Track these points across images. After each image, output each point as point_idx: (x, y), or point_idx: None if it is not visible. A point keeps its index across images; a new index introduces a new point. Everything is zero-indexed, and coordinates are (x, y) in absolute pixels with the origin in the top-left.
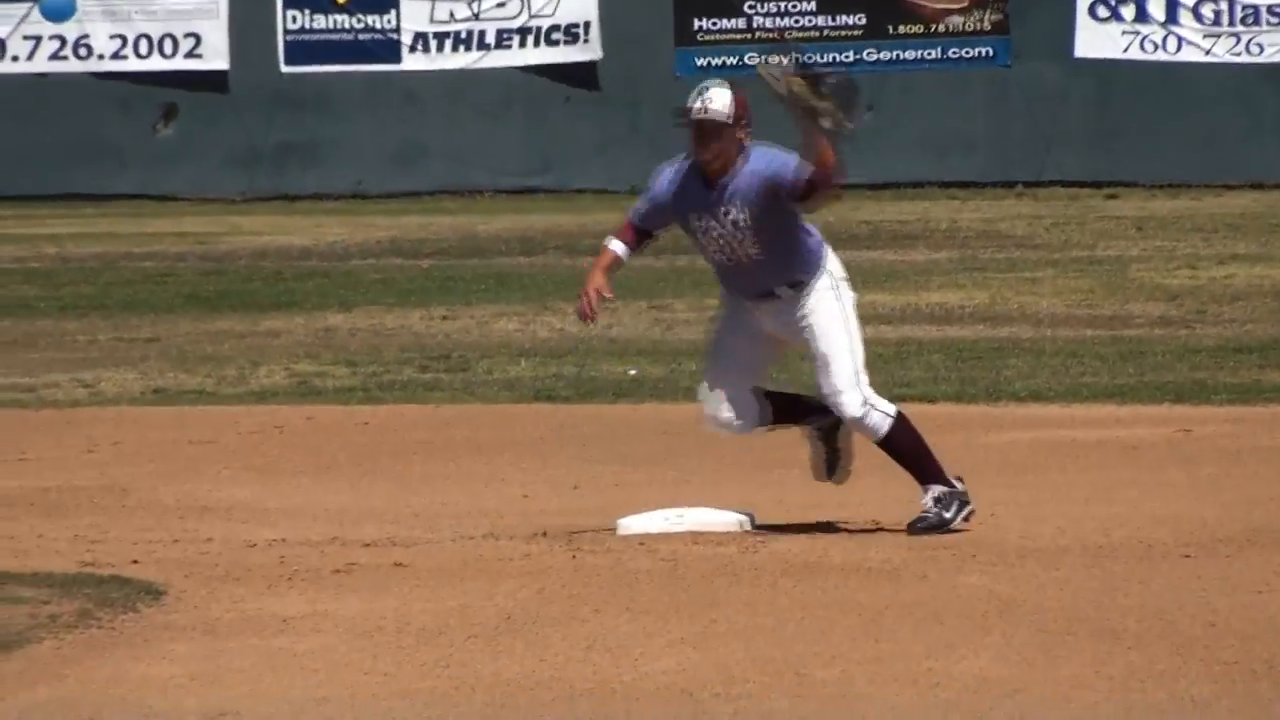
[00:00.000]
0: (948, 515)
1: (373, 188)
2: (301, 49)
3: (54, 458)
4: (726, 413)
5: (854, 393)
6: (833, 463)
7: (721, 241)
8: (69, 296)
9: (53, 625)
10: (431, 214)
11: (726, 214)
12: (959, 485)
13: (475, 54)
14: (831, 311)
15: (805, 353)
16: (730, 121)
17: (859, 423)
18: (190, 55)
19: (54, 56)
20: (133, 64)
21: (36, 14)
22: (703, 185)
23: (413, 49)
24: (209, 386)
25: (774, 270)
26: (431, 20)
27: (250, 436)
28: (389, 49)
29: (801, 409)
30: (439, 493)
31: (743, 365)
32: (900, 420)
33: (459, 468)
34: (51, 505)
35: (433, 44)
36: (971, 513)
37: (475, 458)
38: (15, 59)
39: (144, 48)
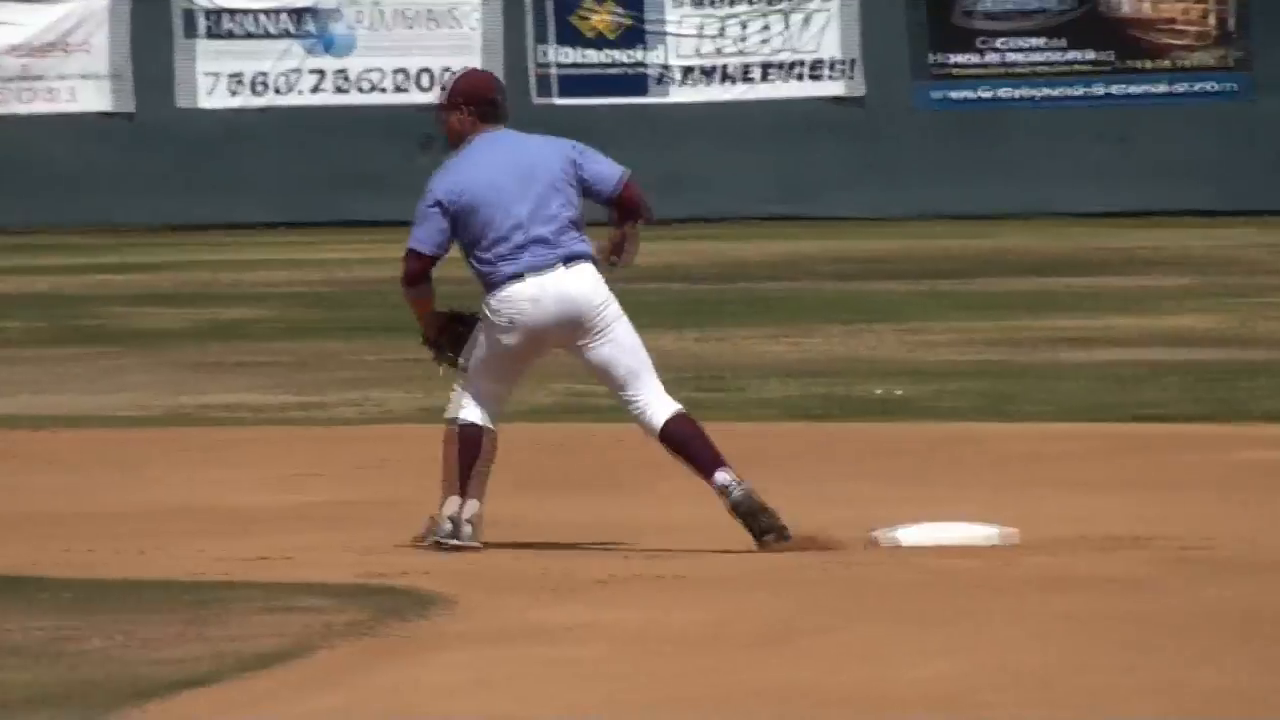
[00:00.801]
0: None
1: None
2: (565, 82)
3: (335, 473)
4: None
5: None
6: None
7: None
8: (350, 319)
9: (335, 634)
10: (690, 240)
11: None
12: (447, 510)
13: (737, 86)
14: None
15: None
16: (444, 102)
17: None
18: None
19: (331, 89)
20: (405, 97)
21: (318, 49)
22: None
23: (678, 82)
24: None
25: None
26: (697, 54)
27: (523, 453)
28: (652, 82)
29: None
30: (700, 507)
31: None
32: (453, 432)
33: None
34: (332, 519)
35: (696, 78)
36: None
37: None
38: (298, 92)
39: (413, 81)
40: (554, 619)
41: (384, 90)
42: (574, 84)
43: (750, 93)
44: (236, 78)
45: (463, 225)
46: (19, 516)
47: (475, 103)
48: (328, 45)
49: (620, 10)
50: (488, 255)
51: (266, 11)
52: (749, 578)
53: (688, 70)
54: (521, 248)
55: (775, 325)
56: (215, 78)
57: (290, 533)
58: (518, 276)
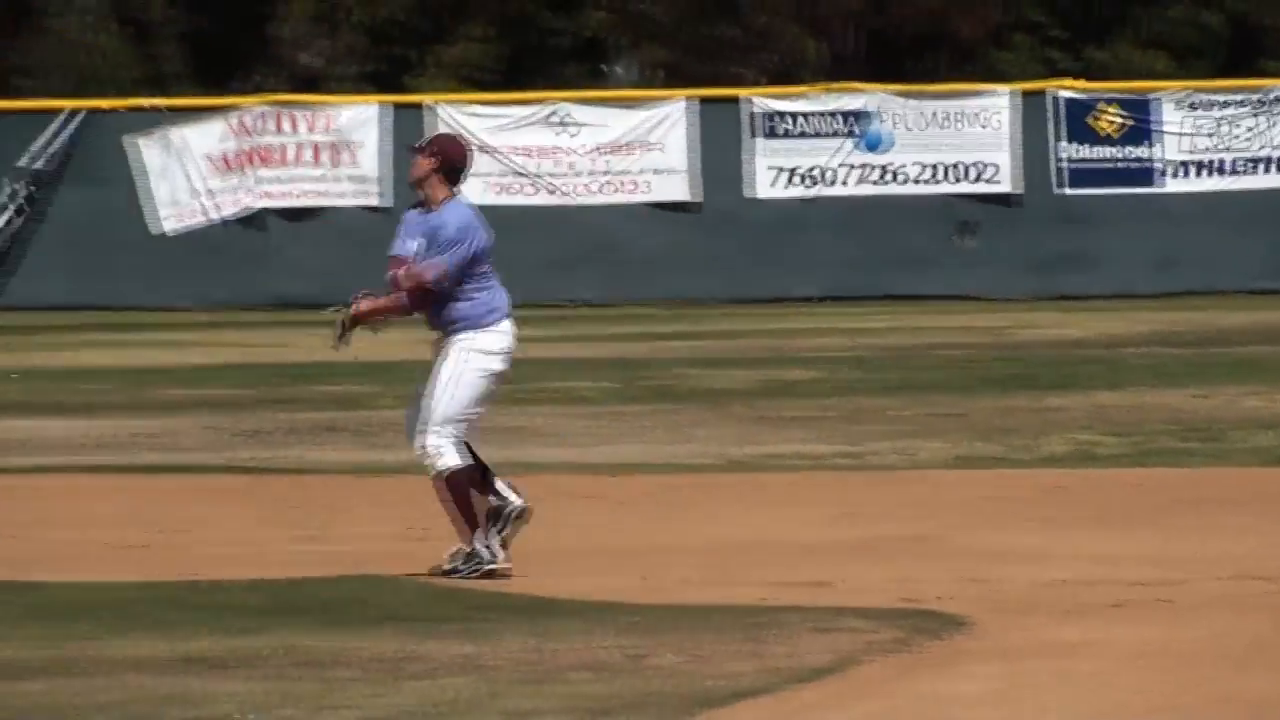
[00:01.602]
0: (453, 566)
1: (1137, 288)
2: (1078, 175)
3: (875, 512)
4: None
5: (433, 434)
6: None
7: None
8: (887, 380)
9: (877, 650)
10: (1184, 310)
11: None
12: (480, 545)
13: (1226, 178)
14: (452, 366)
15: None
16: (421, 146)
17: (424, 454)
18: (985, 180)
19: (873, 181)
20: (938, 187)
21: (857, 147)
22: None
23: (1172, 174)
24: (1003, 453)
25: (439, 309)
26: (1192, 150)
27: (1037, 494)
28: (1150, 174)
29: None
30: (1195, 541)
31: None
32: (457, 474)
33: (1212, 521)
34: (873, 551)
35: (1190, 170)
36: (480, 569)
37: (1226, 512)
38: (844, 184)
39: (945, 174)
40: (1065, 637)
41: (919, 182)
42: (1084, 176)
43: (1237, 183)
44: (791, 171)
45: (470, 267)
46: (595, 550)
47: (448, 163)
48: (870, 144)
49: (1125, 113)
50: (482, 296)
51: (819, 114)
52: (1242, 601)
53: (1183, 164)
54: (498, 293)
55: (1259, 384)
56: (776, 171)
57: (836, 563)
58: (506, 315)
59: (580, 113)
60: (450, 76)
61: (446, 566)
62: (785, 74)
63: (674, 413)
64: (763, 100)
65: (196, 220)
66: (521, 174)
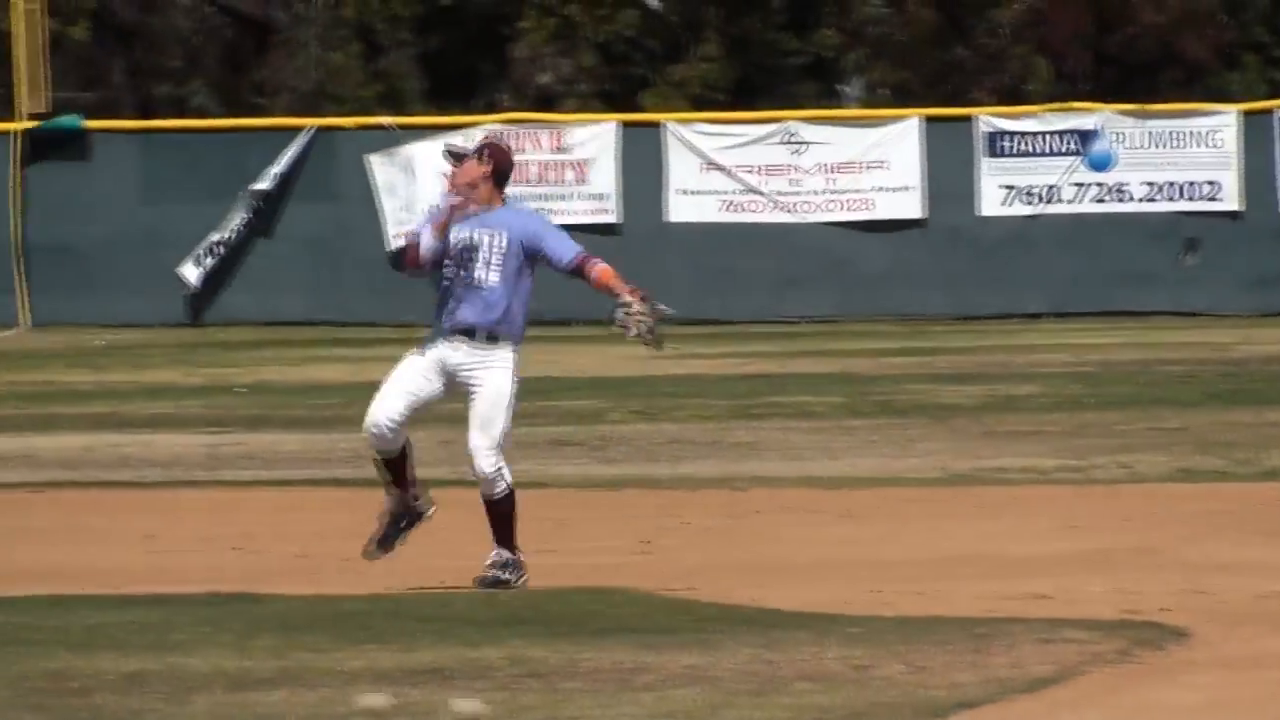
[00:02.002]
0: (507, 577)
1: None
2: None
3: (1097, 525)
4: (382, 422)
5: (495, 454)
6: (386, 541)
7: (468, 254)
8: (1110, 394)
9: (1098, 661)
10: None
11: (493, 235)
12: (522, 557)
13: None
14: (503, 387)
15: (468, 406)
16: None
17: (486, 476)
18: (1209, 198)
19: (1097, 199)
20: (1163, 205)
21: (1084, 166)
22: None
23: None
24: (1226, 467)
25: (487, 307)
26: None
27: (1259, 507)
28: None
29: (409, 478)
30: None
31: (411, 389)
32: (512, 493)
33: None
34: (1094, 563)
35: None
36: (525, 579)
37: None
38: (1070, 202)
39: (1171, 192)
40: None
41: (1143, 200)
42: None
43: None
44: (1021, 189)
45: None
46: (821, 562)
47: (499, 169)
48: (1097, 164)
49: None
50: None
51: (1045, 133)
52: None
53: None
54: None
55: None
56: (1008, 190)
57: (1058, 575)
58: None
59: (808, 131)
60: (681, 95)
61: (499, 576)
62: (1013, 93)
63: (900, 427)
64: (990, 119)
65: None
66: (753, 192)
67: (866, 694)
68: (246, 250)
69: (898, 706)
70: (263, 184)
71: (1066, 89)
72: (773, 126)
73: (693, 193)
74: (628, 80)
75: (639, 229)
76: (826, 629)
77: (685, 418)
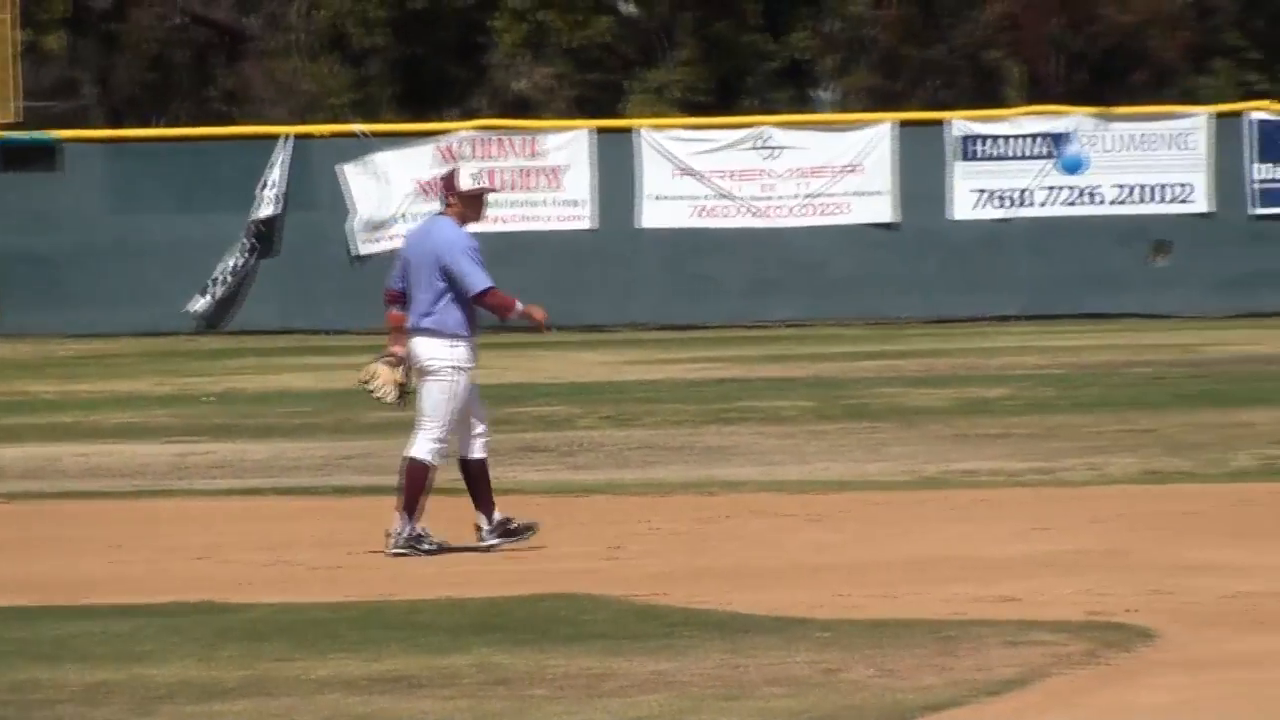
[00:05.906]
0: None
1: None
2: (1270, 195)
3: (1065, 527)
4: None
5: (428, 437)
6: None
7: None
8: (1080, 397)
9: (1065, 663)
10: None
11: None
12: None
13: None
14: (443, 384)
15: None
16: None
17: (417, 448)
18: (1179, 200)
19: (1069, 202)
20: (1133, 208)
21: (1056, 169)
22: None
23: None
24: (1194, 468)
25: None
26: None
27: (1226, 508)
28: None
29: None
30: None
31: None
32: (430, 470)
33: None
34: (1062, 566)
35: None
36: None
37: None
38: (1042, 205)
39: (1141, 195)
40: (1253, 649)
41: (1114, 203)
42: (1277, 196)
43: None
44: (993, 193)
45: None
46: (789, 566)
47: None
48: (1069, 167)
49: None
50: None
51: (1018, 137)
52: None
53: None
54: None
55: None
56: (980, 194)
57: (1027, 577)
58: None
59: (782, 136)
60: (657, 100)
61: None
62: (986, 95)
63: (870, 431)
64: (963, 123)
65: (398, 244)
66: (726, 197)
67: (835, 698)
68: (241, 275)
69: (865, 710)
70: (268, 209)
71: (1038, 93)
72: (746, 132)
73: (666, 198)
74: (603, 86)
75: (612, 235)
76: (795, 633)
77: (656, 423)
